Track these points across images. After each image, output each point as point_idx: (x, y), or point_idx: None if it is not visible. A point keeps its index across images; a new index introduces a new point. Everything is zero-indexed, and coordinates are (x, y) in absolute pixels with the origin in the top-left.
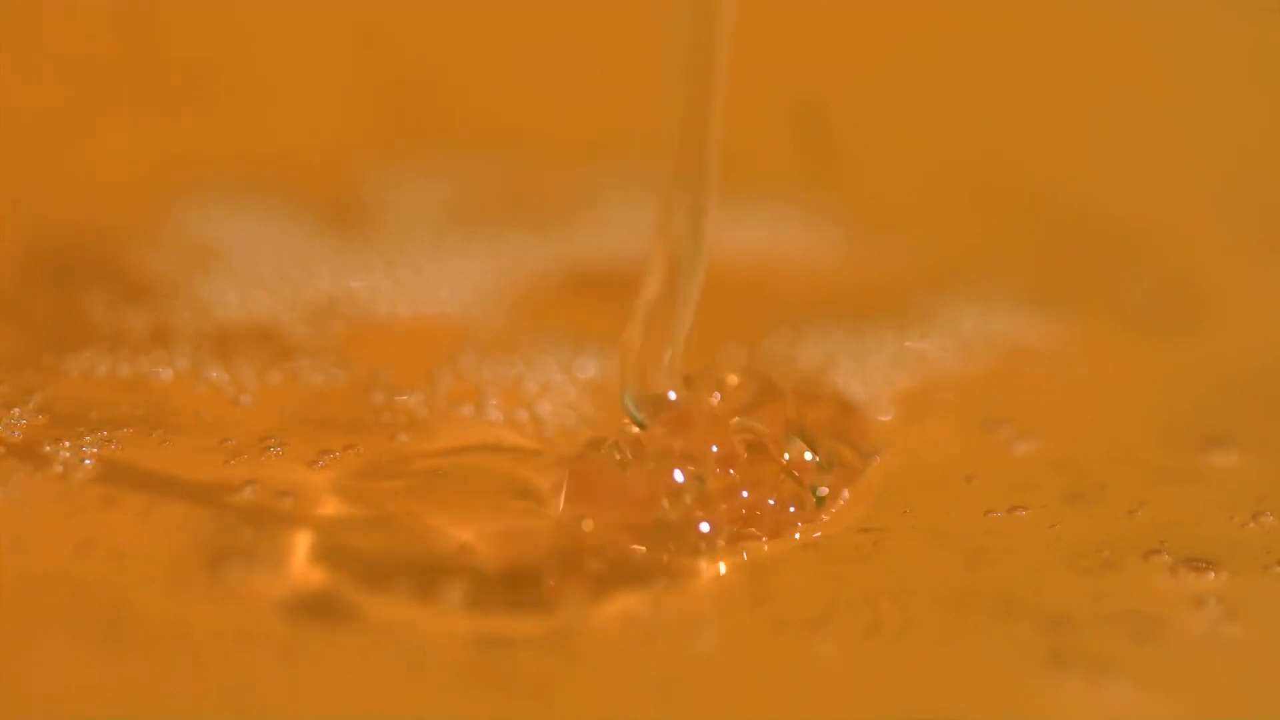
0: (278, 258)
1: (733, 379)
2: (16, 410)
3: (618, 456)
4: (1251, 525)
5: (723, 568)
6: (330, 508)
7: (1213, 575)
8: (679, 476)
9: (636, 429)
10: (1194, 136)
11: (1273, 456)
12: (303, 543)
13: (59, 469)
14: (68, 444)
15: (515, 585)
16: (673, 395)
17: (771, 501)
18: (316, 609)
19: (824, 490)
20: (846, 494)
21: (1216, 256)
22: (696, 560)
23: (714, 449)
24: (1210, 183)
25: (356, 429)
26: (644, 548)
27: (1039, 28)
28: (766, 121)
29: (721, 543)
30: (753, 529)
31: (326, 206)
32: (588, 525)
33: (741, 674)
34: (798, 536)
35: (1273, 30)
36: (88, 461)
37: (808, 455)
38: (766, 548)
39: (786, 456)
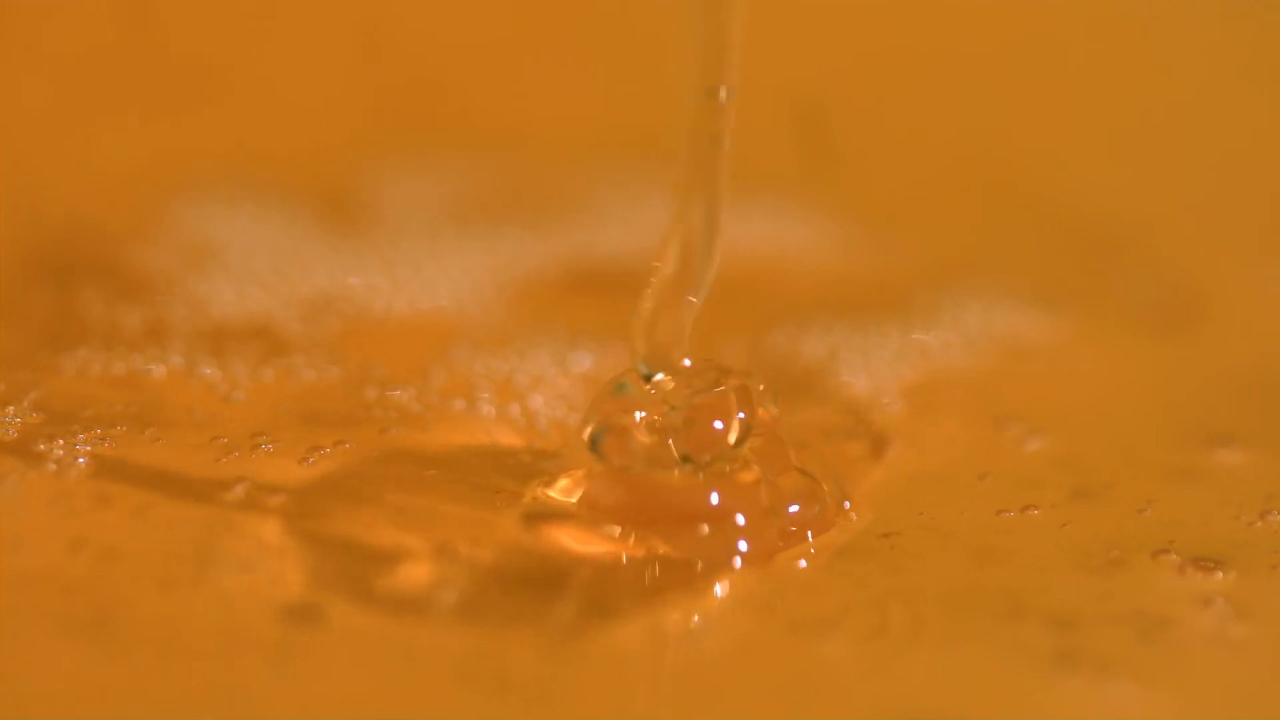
0: (274, 255)
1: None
2: (11, 409)
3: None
4: (1259, 524)
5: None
6: (322, 505)
7: (1220, 575)
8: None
9: (648, 385)
10: (1197, 135)
11: (1279, 455)
12: (294, 541)
13: (53, 467)
14: (61, 442)
15: (514, 586)
16: (687, 362)
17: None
18: (308, 609)
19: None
20: (848, 504)
21: (1221, 254)
22: (705, 562)
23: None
24: (1215, 179)
25: (348, 425)
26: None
27: (1039, 27)
28: (768, 120)
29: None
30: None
31: (324, 204)
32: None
33: (747, 675)
34: (810, 537)
35: (1273, 30)
36: (81, 460)
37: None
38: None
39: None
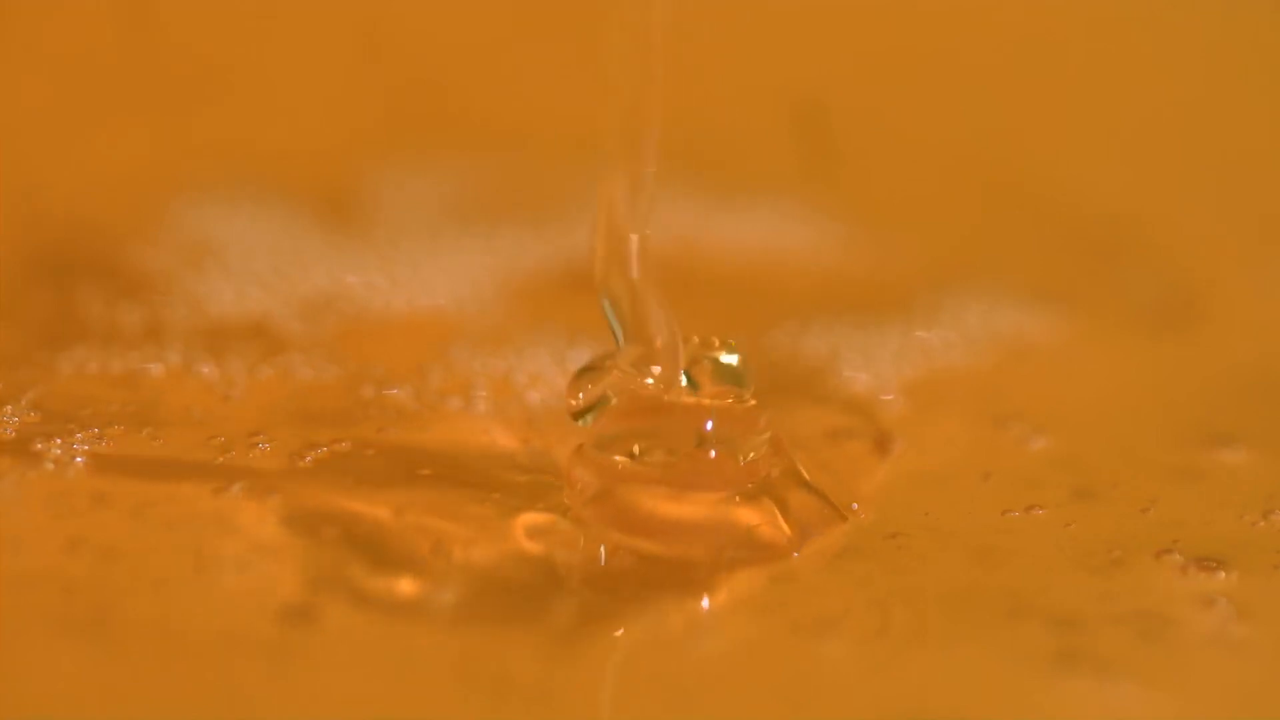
0: (273, 254)
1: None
2: (9, 408)
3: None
4: (1261, 524)
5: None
6: (319, 504)
7: (1223, 575)
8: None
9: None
10: (1197, 135)
11: None
12: (292, 541)
13: (51, 467)
14: (59, 441)
15: (513, 585)
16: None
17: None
18: (306, 608)
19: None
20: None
21: (1221, 254)
22: (708, 561)
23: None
24: (1215, 179)
25: (346, 423)
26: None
27: (1039, 27)
28: (768, 120)
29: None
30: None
31: (323, 204)
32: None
33: (748, 676)
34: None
35: (1273, 30)
36: (79, 459)
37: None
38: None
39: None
